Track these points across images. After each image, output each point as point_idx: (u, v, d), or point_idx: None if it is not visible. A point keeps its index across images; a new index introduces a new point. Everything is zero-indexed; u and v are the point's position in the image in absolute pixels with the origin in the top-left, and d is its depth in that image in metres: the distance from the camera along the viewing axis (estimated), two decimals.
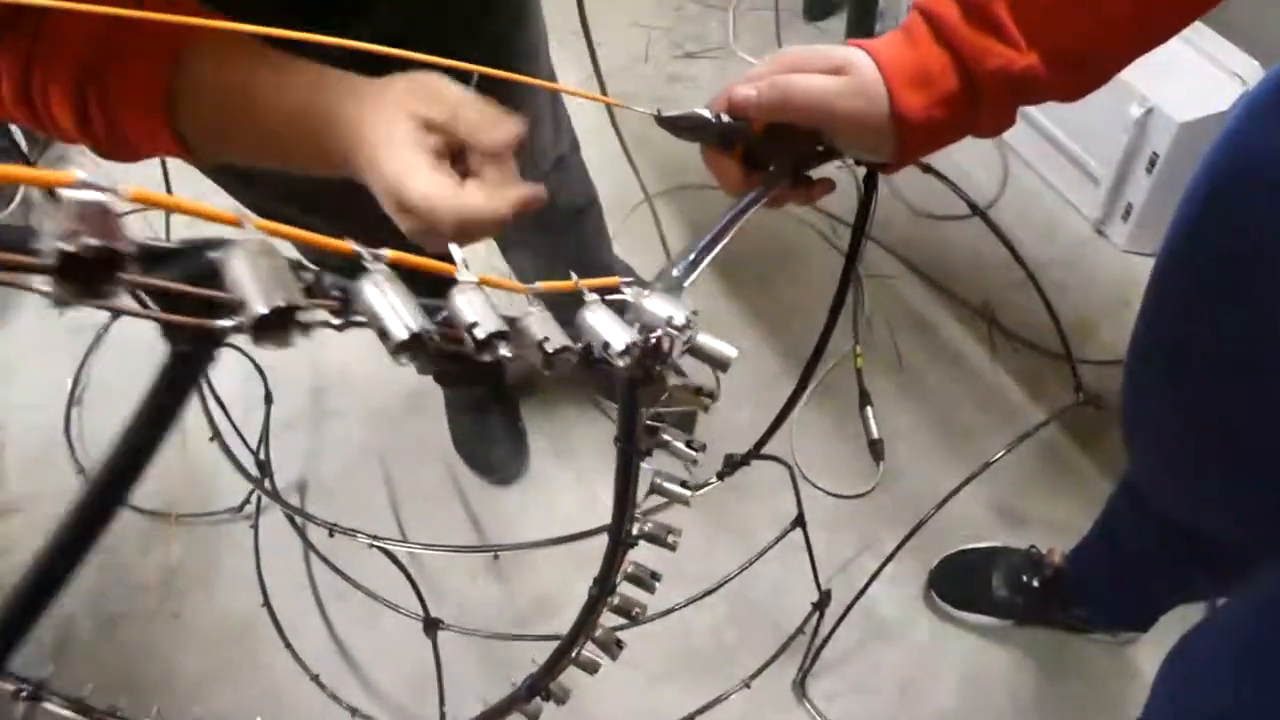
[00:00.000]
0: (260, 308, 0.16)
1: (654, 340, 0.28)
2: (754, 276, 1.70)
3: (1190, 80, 1.43)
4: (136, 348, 1.73)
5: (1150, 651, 1.25)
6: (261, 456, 1.35)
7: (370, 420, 1.61)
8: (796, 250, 1.73)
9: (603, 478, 1.58)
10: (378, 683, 1.34)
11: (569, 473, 1.52)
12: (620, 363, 0.27)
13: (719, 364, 0.34)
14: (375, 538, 0.87)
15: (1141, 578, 1.08)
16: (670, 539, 0.41)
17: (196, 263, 0.17)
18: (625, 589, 0.44)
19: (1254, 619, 0.64)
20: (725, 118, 0.48)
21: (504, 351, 0.23)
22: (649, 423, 0.40)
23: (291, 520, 1.25)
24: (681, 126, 0.47)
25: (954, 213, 1.72)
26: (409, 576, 1.00)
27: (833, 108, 0.46)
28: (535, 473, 1.52)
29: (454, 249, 0.24)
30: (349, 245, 0.20)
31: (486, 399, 1.51)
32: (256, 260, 0.16)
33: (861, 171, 0.59)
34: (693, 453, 0.37)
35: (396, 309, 0.19)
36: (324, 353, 1.70)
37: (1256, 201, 0.54)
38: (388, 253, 0.21)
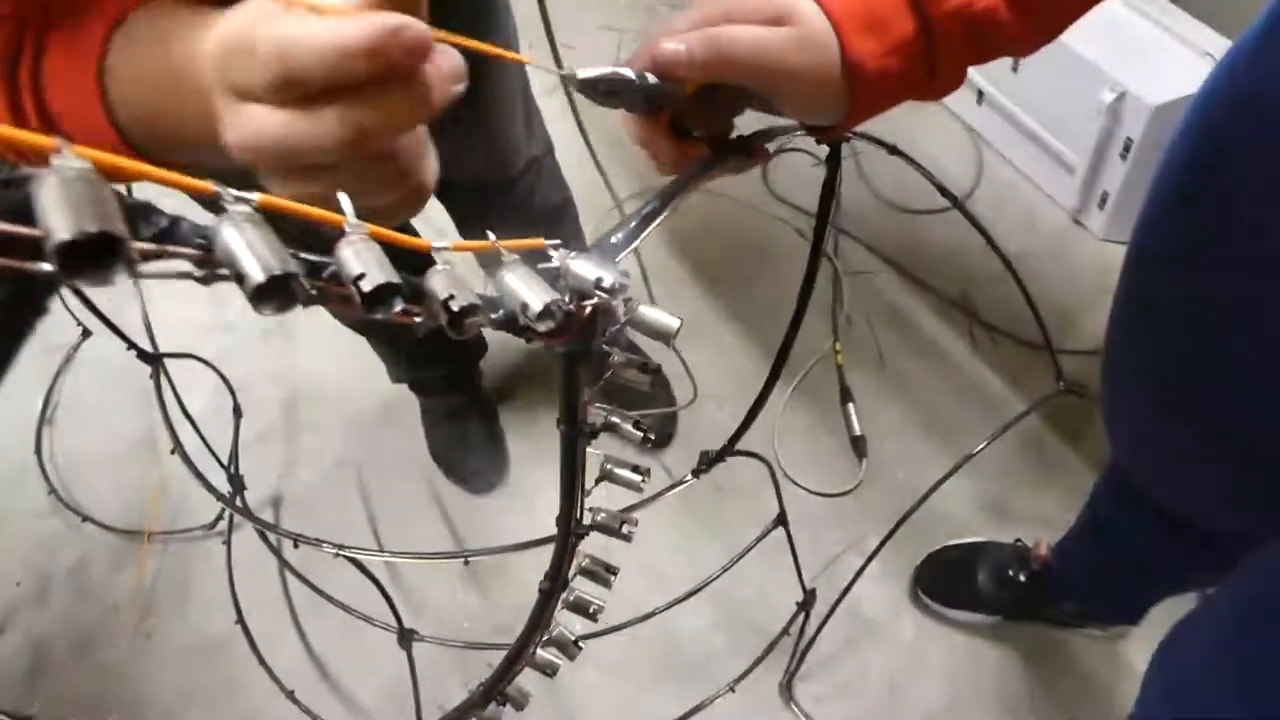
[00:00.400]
0: (62, 234, 0.14)
1: (577, 303, 0.26)
2: (731, 276, 1.68)
3: (1161, 62, 1.43)
4: (107, 366, 1.70)
5: (1141, 645, 1.24)
6: (233, 471, 1.32)
7: (345, 432, 1.58)
8: (773, 248, 1.72)
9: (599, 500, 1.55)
10: (356, 697, 1.30)
11: (550, 480, 1.49)
12: (540, 326, 0.25)
13: (661, 336, 0.32)
14: (341, 547, 0.84)
15: (1130, 569, 1.06)
16: (625, 529, 0.39)
17: (14, 197, 0.15)
18: (581, 585, 0.42)
19: (1245, 606, 0.62)
20: (651, 78, 0.41)
21: (399, 308, 0.21)
22: (612, 413, 0.38)
23: (264, 536, 1.22)
24: (601, 90, 0.40)
25: (930, 206, 1.71)
26: (379, 586, 0.97)
27: (778, 63, 0.40)
28: (516, 481, 1.50)
29: (343, 198, 0.22)
30: (209, 185, 0.18)
31: (463, 406, 1.49)
32: (70, 186, 0.14)
33: (824, 151, 0.57)
34: (639, 432, 0.35)
35: (256, 250, 0.17)
36: (296, 364, 1.67)
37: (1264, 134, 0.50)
38: (256, 196, 0.19)
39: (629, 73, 0.40)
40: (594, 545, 0.47)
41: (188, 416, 1.22)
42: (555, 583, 0.40)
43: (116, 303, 1.33)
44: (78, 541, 1.51)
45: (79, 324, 1.66)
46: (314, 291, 0.22)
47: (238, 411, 1.34)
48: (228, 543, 1.32)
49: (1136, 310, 0.70)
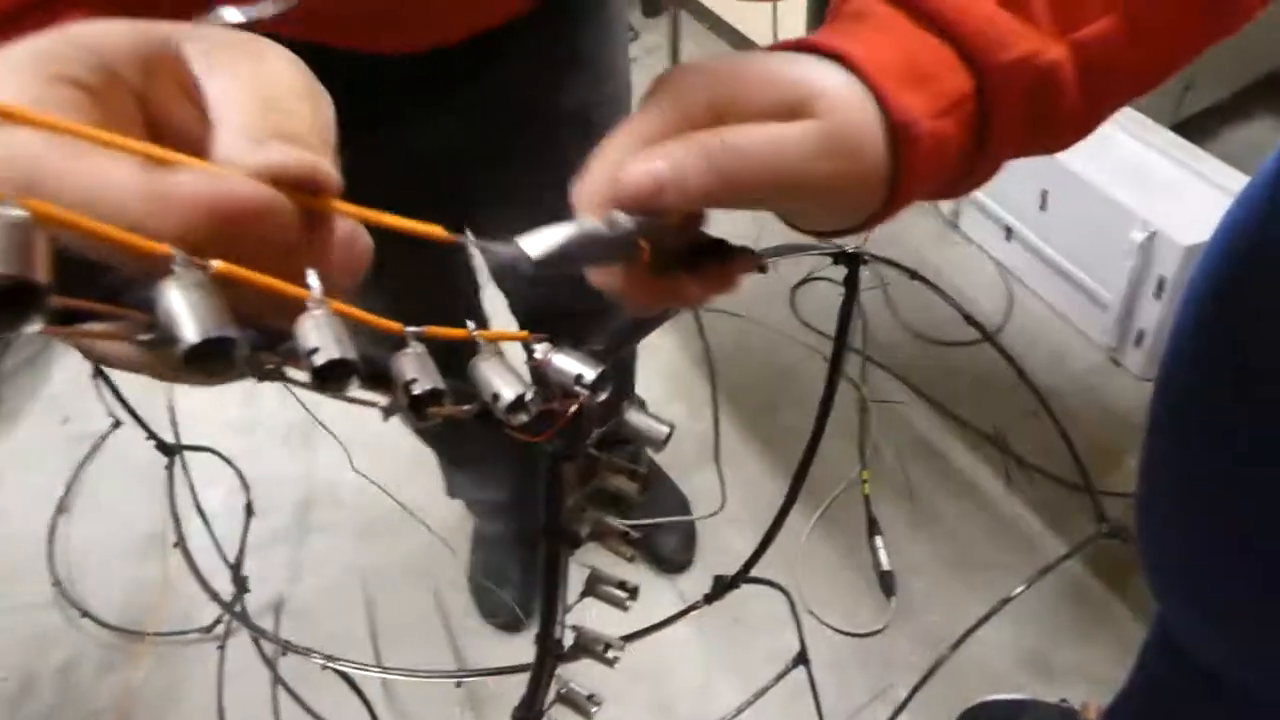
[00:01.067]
0: None
1: (561, 401, 0.25)
2: (756, 400, 1.66)
3: (1190, 203, 1.43)
4: (131, 458, 1.70)
5: None
6: (238, 572, 1.29)
7: (356, 541, 1.55)
8: (800, 375, 1.70)
9: (609, 624, 1.49)
10: None
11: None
12: (513, 419, 0.23)
13: (651, 442, 0.30)
14: (330, 658, 0.80)
15: None
16: (610, 652, 0.36)
17: None
18: (559, 715, 0.38)
19: None
20: (623, 220, 0.28)
21: (354, 388, 0.19)
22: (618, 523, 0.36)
23: (258, 645, 1.17)
24: (564, 260, 0.26)
25: (959, 338, 1.70)
26: (365, 702, 0.91)
27: (803, 178, 0.29)
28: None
29: (310, 273, 0.21)
30: (164, 246, 0.17)
31: (510, 539, 1.45)
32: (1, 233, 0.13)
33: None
34: (629, 548, 0.32)
35: (197, 312, 0.16)
36: (315, 468, 1.66)
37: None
38: (216, 263, 0.18)
39: (597, 227, 0.27)
40: (612, 686, 0.43)
41: (200, 512, 1.20)
42: (529, 711, 0.36)
43: (148, 394, 1.35)
44: (73, 638, 1.47)
45: (110, 414, 1.68)
46: (269, 367, 0.20)
47: (250, 510, 1.32)
48: (222, 648, 1.28)
49: (1169, 441, 0.66)
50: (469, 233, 0.25)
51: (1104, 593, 1.36)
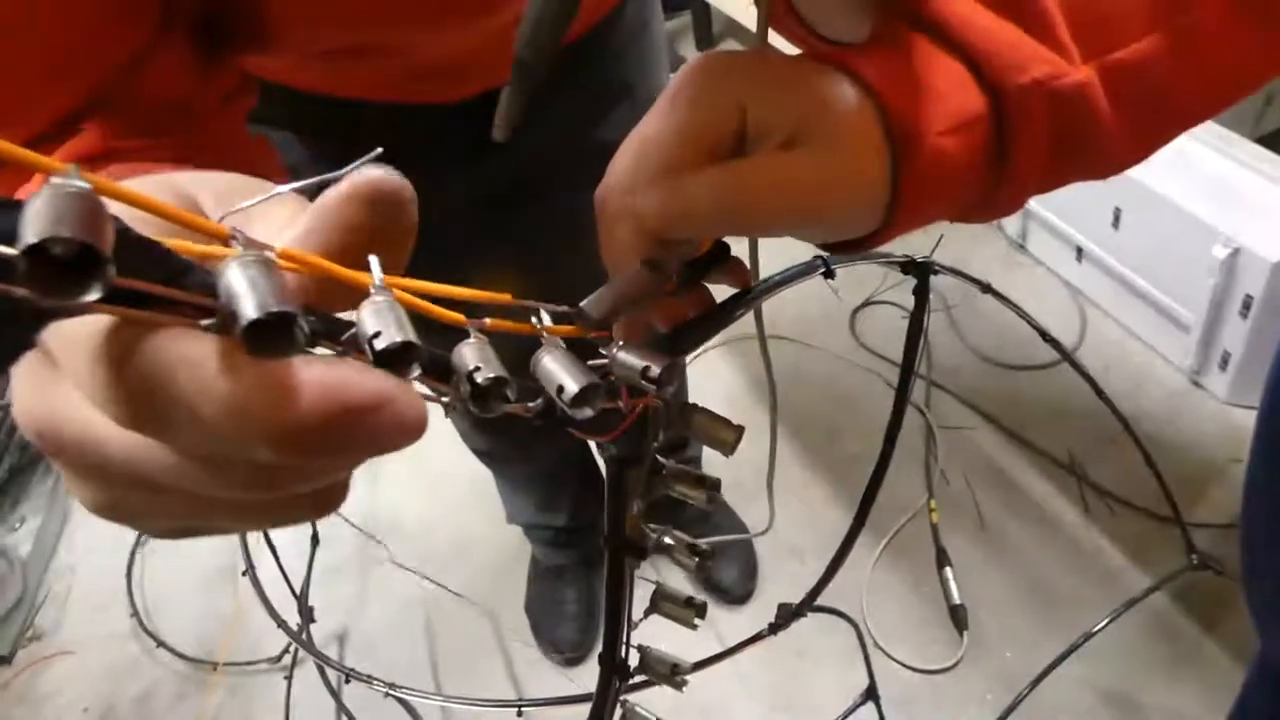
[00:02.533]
0: (30, 238, 0.13)
1: (627, 400, 0.24)
2: (818, 426, 1.63)
3: (1276, 217, 1.36)
4: None
5: None
6: (304, 602, 1.31)
7: (420, 569, 1.56)
8: (862, 400, 1.67)
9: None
10: None
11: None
12: (577, 413, 0.22)
13: (718, 444, 0.29)
14: (393, 686, 0.80)
15: None
16: (678, 676, 0.35)
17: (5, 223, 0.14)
18: None
19: None
20: (659, 262, 0.29)
21: (415, 373, 0.19)
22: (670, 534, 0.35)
23: (323, 673, 1.18)
24: (620, 311, 0.28)
25: (1029, 361, 1.64)
26: None
27: (817, 207, 0.30)
28: (599, 650, 1.42)
29: (373, 260, 0.21)
30: (223, 228, 0.17)
31: (568, 568, 1.44)
32: (60, 200, 0.13)
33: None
34: (694, 559, 0.31)
35: (258, 287, 0.16)
36: (378, 499, 1.69)
37: None
38: (278, 245, 0.18)
39: (640, 273, 0.28)
40: (664, 707, 0.42)
41: (269, 542, 1.22)
42: None
43: None
44: (150, 669, 1.51)
45: None
46: (332, 354, 0.20)
47: (315, 540, 1.34)
48: (289, 678, 1.29)
49: (1274, 471, 0.62)
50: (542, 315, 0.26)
51: (1193, 629, 1.28)
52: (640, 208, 0.29)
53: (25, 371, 0.20)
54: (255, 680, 1.45)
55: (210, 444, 0.18)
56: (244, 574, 1.06)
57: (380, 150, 0.22)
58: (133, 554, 1.69)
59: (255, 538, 1.28)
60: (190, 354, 0.17)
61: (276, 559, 1.28)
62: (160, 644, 1.50)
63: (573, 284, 0.33)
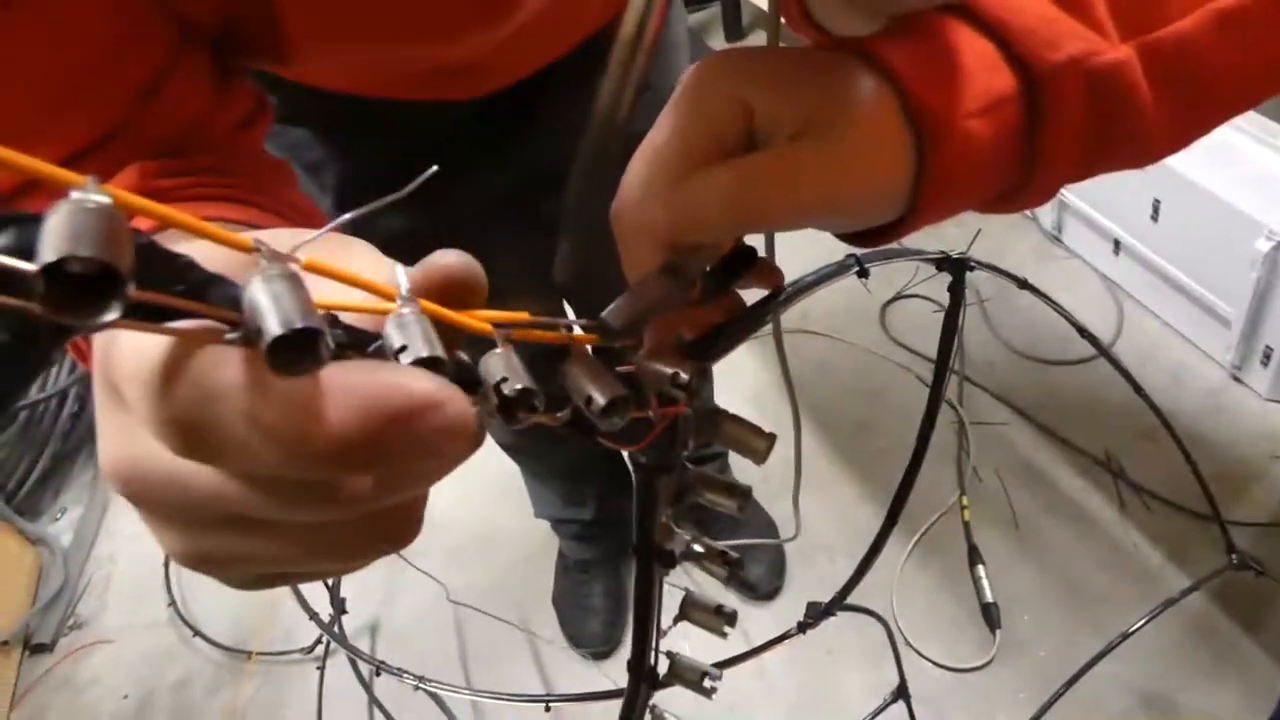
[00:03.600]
0: (47, 256, 0.13)
1: (656, 408, 0.24)
2: (847, 421, 1.61)
3: None
4: None
5: None
6: (336, 594, 1.32)
7: (447, 564, 1.57)
8: (892, 395, 1.65)
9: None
10: None
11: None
12: (605, 424, 0.22)
13: (750, 452, 0.28)
14: (422, 679, 0.81)
15: None
16: (707, 682, 0.34)
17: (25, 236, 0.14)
18: None
19: None
20: (680, 267, 0.28)
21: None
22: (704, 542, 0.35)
23: (354, 665, 1.19)
24: (644, 320, 0.27)
25: (1063, 356, 1.61)
26: None
27: (831, 199, 0.28)
28: (627, 644, 1.43)
29: (399, 268, 0.20)
30: (247, 240, 0.17)
31: (595, 562, 1.45)
32: (80, 216, 0.13)
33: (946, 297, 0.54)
34: (725, 568, 0.31)
35: (282, 302, 0.15)
36: None
37: None
38: (302, 258, 0.18)
39: (660, 281, 0.28)
40: (685, 708, 0.42)
41: None
42: None
43: None
44: (186, 657, 1.54)
45: None
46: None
47: None
48: (321, 668, 1.31)
49: None
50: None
51: (1233, 630, 1.25)
52: (651, 216, 0.29)
53: (107, 420, 0.20)
54: (288, 670, 1.47)
55: (262, 467, 0.18)
56: None
57: (435, 169, 0.22)
58: None
59: None
60: (225, 376, 0.17)
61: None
62: (197, 633, 1.53)
63: (602, 273, 0.33)
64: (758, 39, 2.65)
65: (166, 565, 1.67)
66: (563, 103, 0.71)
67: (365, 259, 0.23)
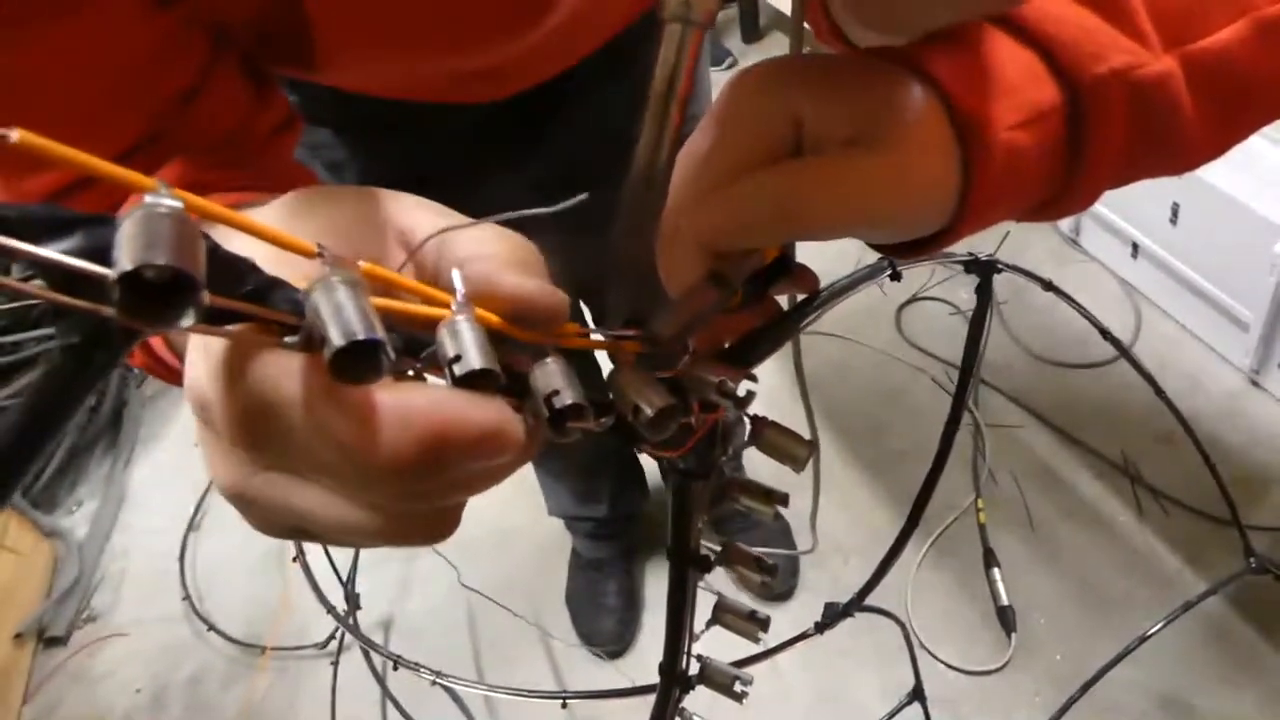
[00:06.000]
0: (124, 265, 0.13)
1: (698, 415, 0.24)
2: (862, 424, 1.61)
3: None
4: None
5: None
6: (350, 588, 1.33)
7: (461, 559, 1.57)
8: (908, 397, 1.64)
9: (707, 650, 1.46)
10: None
11: None
12: (652, 434, 0.22)
13: (790, 459, 0.28)
14: (439, 674, 0.81)
15: None
16: (738, 687, 0.34)
17: (100, 238, 0.14)
18: None
19: None
20: (723, 274, 0.28)
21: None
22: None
23: (369, 660, 1.20)
24: (692, 327, 0.27)
25: (1081, 359, 1.60)
26: (470, 719, 0.92)
27: (885, 210, 0.28)
28: (640, 642, 1.43)
29: (456, 276, 0.20)
30: (310, 245, 0.17)
31: (608, 560, 1.45)
32: (153, 222, 0.13)
33: (962, 300, 0.53)
34: (760, 575, 0.31)
35: (343, 314, 0.15)
36: None
37: None
38: (363, 264, 0.18)
39: (702, 288, 0.27)
40: (700, 705, 0.42)
41: None
42: None
43: None
44: (200, 651, 1.55)
45: None
46: (409, 372, 0.20)
47: None
48: (335, 663, 1.31)
49: None
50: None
51: (1251, 634, 1.24)
52: (696, 223, 0.28)
53: (205, 440, 0.22)
54: (302, 665, 1.48)
55: (323, 471, 0.19)
56: (294, 560, 1.07)
57: (585, 196, 0.23)
58: (185, 538, 1.73)
59: None
60: (290, 385, 0.18)
61: (324, 546, 1.30)
62: (211, 627, 1.54)
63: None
64: (775, 40, 2.64)
65: (181, 560, 1.69)
66: (584, 103, 0.71)
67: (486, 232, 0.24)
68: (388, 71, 0.58)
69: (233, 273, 0.16)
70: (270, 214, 0.23)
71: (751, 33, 2.60)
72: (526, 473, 1.36)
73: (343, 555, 1.36)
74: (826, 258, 0.37)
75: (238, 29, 0.40)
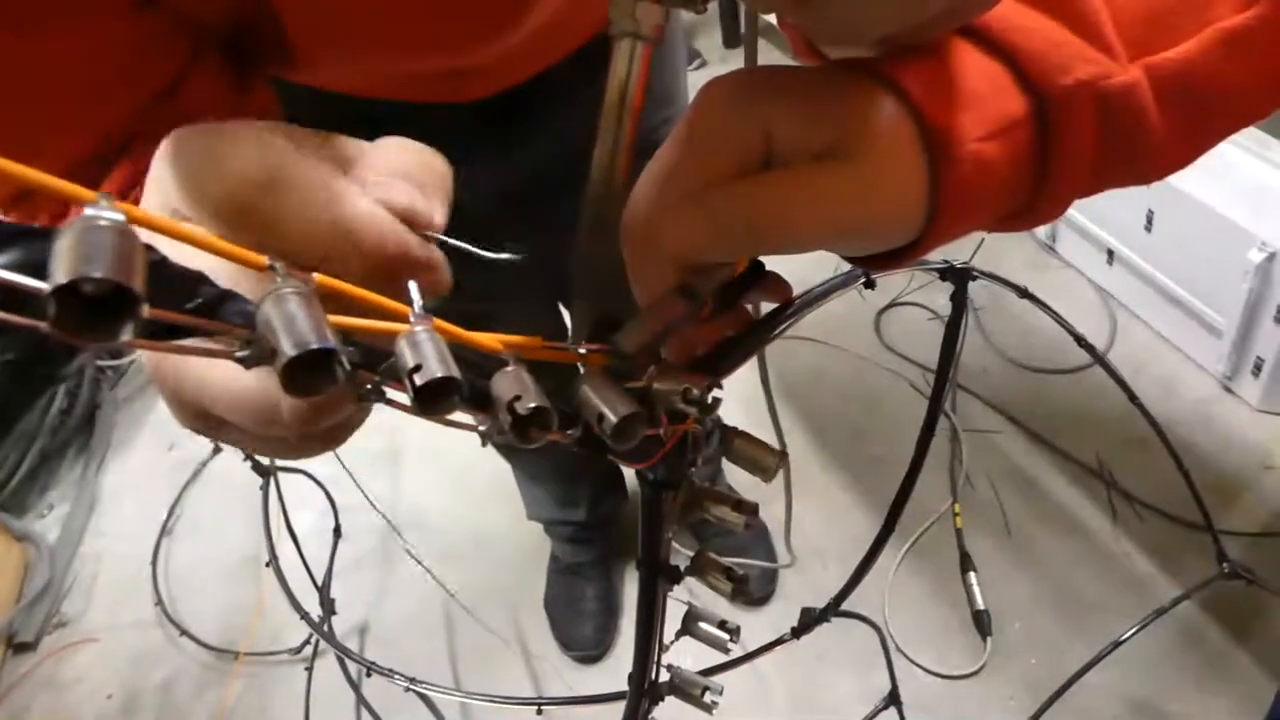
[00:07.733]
0: (59, 278, 0.12)
1: (666, 425, 0.23)
2: (840, 427, 1.62)
3: None
4: (230, 482, 1.77)
5: None
6: (326, 594, 1.31)
7: (438, 565, 1.57)
8: (885, 402, 1.65)
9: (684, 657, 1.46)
10: None
11: None
12: (617, 443, 0.22)
13: (759, 469, 0.28)
14: (414, 681, 0.80)
15: None
16: (708, 697, 0.34)
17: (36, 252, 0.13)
18: None
19: None
20: (692, 288, 0.28)
21: (456, 406, 0.18)
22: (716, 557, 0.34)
23: (343, 666, 1.18)
24: (658, 341, 0.27)
25: (1057, 365, 1.62)
26: None
27: (858, 222, 0.28)
28: (619, 647, 1.42)
29: (412, 286, 0.20)
30: (261, 258, 0.17)
31: (587, 565, 1.45)
32: (91, 235, 0.13)
33: (940, 305, 0.54)
34: (730, 584, 0.30)
35: (296, 323, 0.15)
36: (401, 492, 1.69)
37: None
38: (316, 276, 0.17)
39: (672, 301, 0.27)
40: (669, 713, 0.42)
41: (291, 533, 1.23)
42: None
43: None
44: (173, 657, 1.53)
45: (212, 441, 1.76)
46: (368, 386, 0.20)
47: (338, 532, 1.35)
48: (309, 669, 1.30)
49: None
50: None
51: (1224, 639, 1.26)
52: (666, 234, 0.28)
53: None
54: (276, 671, 1.46)
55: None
56: (267, 564, 1.06)
57: (519, 257, 0.25)
58: (158, 543, 1.71)
59: (278, 529, 1.28)
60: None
61: (299, 550, 1.28)
62: (184, 633, 1.52)
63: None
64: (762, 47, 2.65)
65: (154, 564, 1.66)
66: (565, 103, 0.71)
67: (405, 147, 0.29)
68: (364, 71, 0.58)
69: (181, 286, 0.16)
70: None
71: (734, 38, 2.61)
72: (505, 477, 1.36)
73: (318, 558, 1.35)
74: (803, 263, 0.37)
75: (216, 25, 0.40)
